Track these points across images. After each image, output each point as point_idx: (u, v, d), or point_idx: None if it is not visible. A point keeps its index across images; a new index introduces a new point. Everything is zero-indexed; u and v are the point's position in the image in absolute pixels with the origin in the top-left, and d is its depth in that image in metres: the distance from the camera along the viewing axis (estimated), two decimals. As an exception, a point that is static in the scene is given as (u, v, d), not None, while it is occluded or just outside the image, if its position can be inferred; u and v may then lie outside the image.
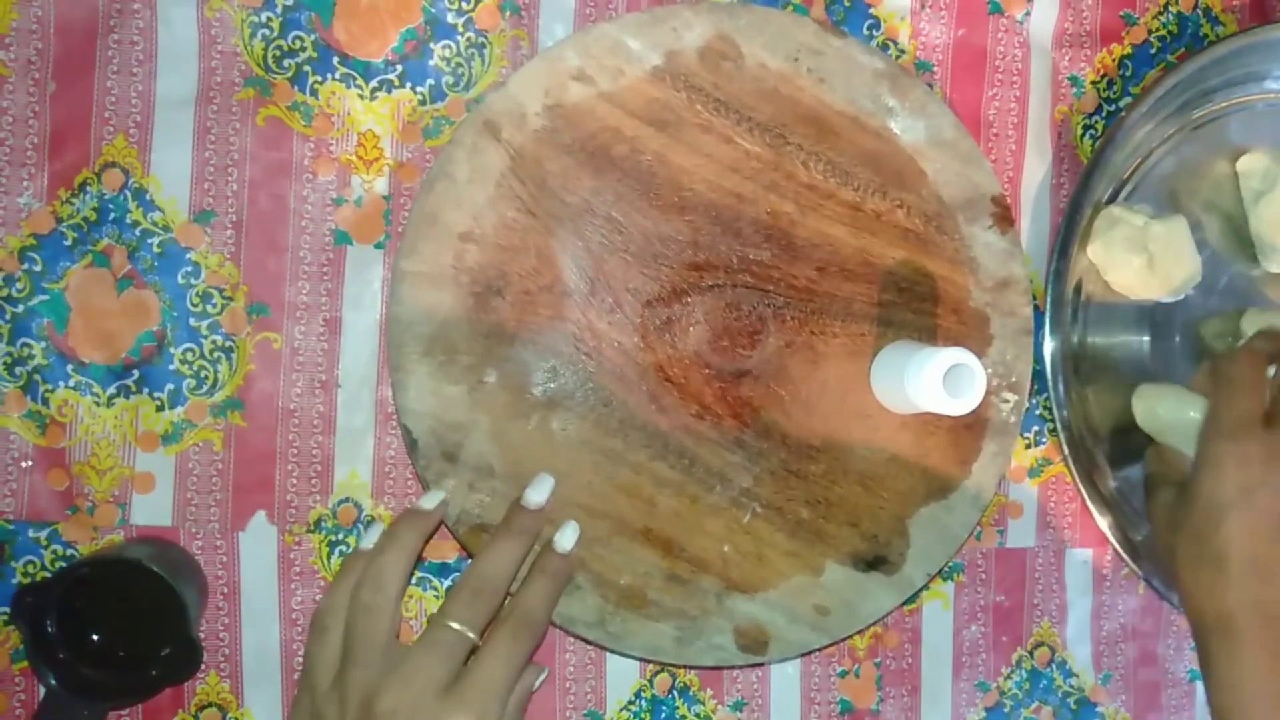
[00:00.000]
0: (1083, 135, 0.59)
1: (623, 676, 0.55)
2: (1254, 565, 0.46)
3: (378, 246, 0.53)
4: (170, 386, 0.51)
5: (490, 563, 0.46)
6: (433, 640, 0.43)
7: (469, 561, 0.53)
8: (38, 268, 0.50)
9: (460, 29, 0.53)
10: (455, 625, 0.43)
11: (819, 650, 0.55)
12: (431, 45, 0.52)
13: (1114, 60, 0.59)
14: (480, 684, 0.42)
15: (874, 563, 0.53)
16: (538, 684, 0.47)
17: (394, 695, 0.41)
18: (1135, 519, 0.59)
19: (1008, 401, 0.54)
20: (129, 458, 0.51)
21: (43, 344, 0.50)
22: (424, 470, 0.50)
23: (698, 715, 0.56)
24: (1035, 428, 0.59)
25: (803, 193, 0.53)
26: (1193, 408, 0.52)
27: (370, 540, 0.47)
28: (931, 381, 0.47)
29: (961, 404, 0.48)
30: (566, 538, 0.48)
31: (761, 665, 0.56)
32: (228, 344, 0.52)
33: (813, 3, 0.55)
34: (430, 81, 0.53)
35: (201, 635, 0.52)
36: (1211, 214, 0.59)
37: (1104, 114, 0.59)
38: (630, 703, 0.56)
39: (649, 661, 0.55)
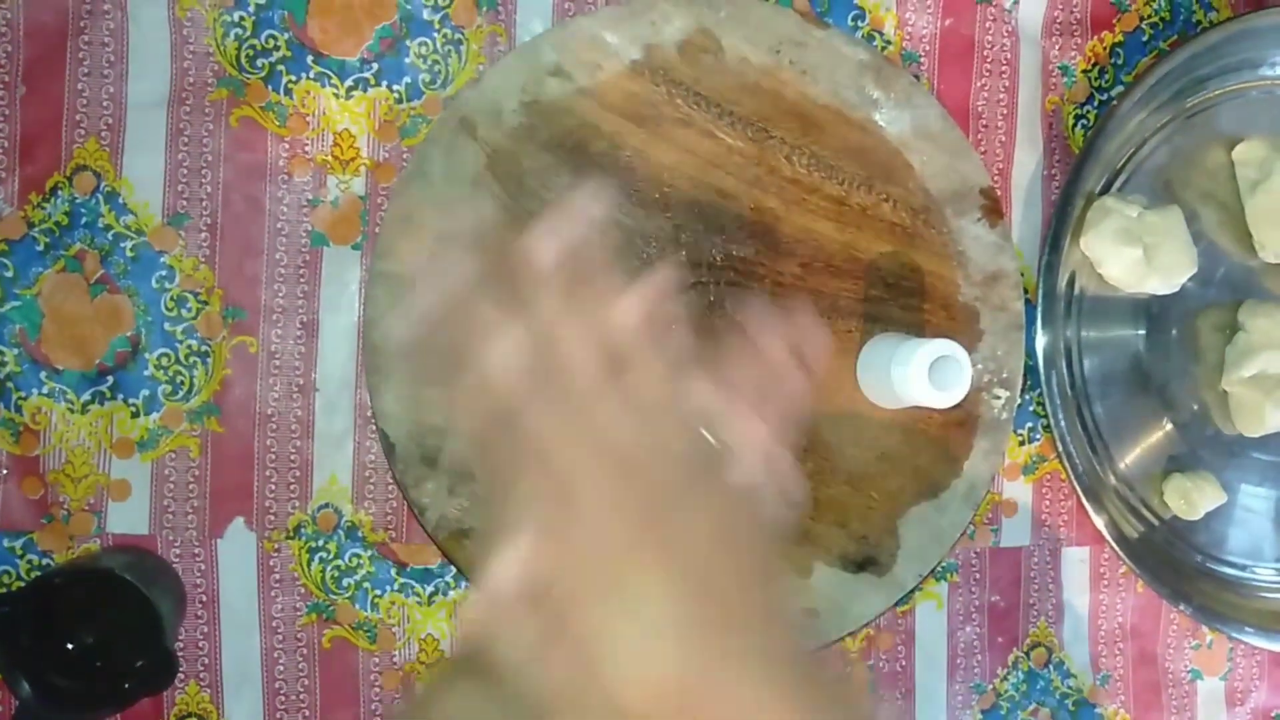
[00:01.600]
0: (1074, 125, 0.57)
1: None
2: None
3: (355, 248, 0.52)
4: (145, 392, 0.50)
5: None
6: None
7: (451, 568, 0.52)
8: (9, 273, 0.49)
9: (436, 25, 0.52)
10: None
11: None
12: (407, 42, 0.52)
13: (1105, 48, 0.58)
14: None
15: (863, 564, 0.52)
16: None
17: None
18: (1132, 516, 0.57)
19: (999, 398, 0.53)
20: (104, 465, 0.50)
21: (15, 350, 0.50)
22: (402, 475, 0.49)
23: None
24: (1029, 424, 0.58)
25: (787, 187, 0.52)
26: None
27: None
28: (917, 374, 0.46)
29: (948, 396, 0.46)
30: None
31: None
32: (203, 348, 0.51)
33: (796, -6, 0.54)
34: (406, 79, 0.52)
35: (180, 644, 0.51)
36: (1207, 204, 0.58)
37: (1096, 103, 0.58)
38: (619, 708, 0.55)
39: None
